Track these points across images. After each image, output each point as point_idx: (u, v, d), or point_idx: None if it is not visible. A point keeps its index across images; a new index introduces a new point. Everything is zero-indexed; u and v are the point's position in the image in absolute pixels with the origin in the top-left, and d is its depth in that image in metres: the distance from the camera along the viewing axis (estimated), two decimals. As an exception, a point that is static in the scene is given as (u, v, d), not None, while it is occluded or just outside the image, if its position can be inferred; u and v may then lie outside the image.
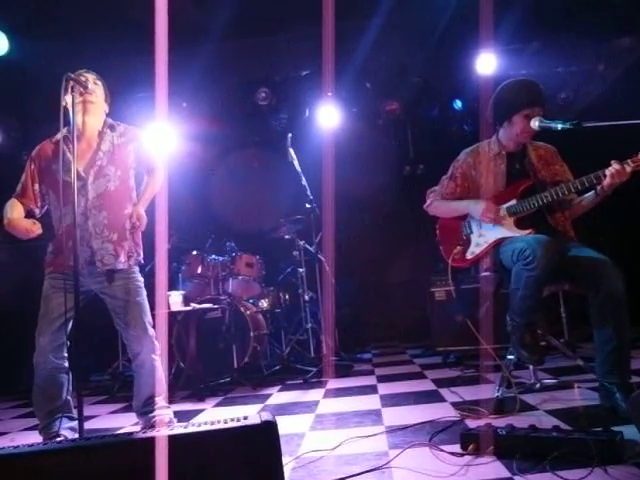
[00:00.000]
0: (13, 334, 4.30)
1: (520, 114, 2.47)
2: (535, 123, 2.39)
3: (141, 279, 2.55)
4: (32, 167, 2.50)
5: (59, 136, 2.44)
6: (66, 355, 2.36)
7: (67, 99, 2.32)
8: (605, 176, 2.22)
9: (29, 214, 2.49)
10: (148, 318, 2.48)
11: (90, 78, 2.47)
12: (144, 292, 2.52)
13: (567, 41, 4.88)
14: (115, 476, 1.16)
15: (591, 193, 2.41)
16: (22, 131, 5.57)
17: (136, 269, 2.55)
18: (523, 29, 4.53)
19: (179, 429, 1.24)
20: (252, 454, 1.20)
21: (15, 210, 2.44)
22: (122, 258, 2.46)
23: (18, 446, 1.25)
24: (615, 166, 2.19)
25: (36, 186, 2.49)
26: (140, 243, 2.59)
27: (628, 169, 2.18)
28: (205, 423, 1.26)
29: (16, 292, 4.63)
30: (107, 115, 2.61)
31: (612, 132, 2.24)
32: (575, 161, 2.63)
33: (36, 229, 2.36)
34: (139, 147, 2.60)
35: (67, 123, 2.39)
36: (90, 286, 2.46)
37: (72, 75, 2.20)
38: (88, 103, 2.45)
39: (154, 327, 2.52)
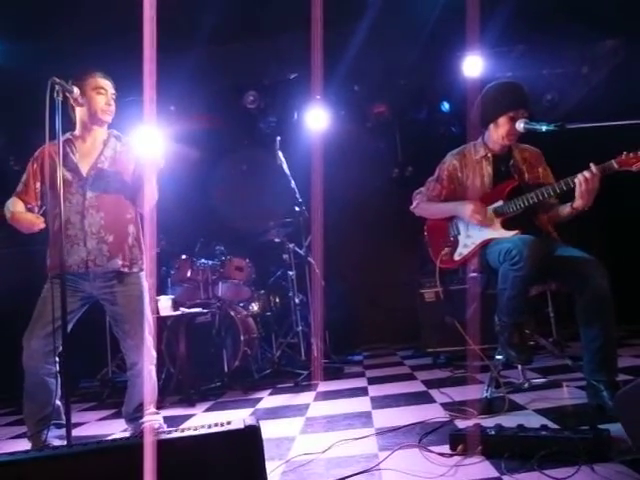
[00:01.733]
0: (3, 341, 4.25)
1: (505, 116, 2.49)
2: (520, 125, 2.41)
3: (145, 285, 2.54)
4: (34, 166, 2.51)
5: (62, 138, 2.43)
6: (56, 360, 2.34)
7: (89, 103, 2.46)
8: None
9: (28, 211, 2.49)
10: (148, 327, 2.46)
11: (109, 91, 2.52)
12: (146, 299, 2.50)
13: (552, 44, 4.93)
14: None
15: (568, 205, 2.42)
16: (9, 136, 5.52)
17: (141, 275, 2.53)
18: (509, 32, 4.57)
19: (163, 435, 1.23)
20: (235, 459, 1.19)
21: (17, 205, 2.46)
22: (119, 261, 2.44)
23: (-1, 455, 1.24)
24: (584, 173, 2.22)
25: (37, 185, 2.50)
26: (144, 250, 2.59)
27: (597, 177, 2.21)
28: (189, 429, 1.26)
29: (9, 298, 4.59)
30: None
31: (596, 133, 2.26)
32: (561, 162, 2.65)
33: (40, 222, 2.36)
34: (137, 160, 2.60)
35: (73, 128, 2.51)
36: (92, 291, 2.45)
37: (57, 79, 2.19)
38: (101, 124, 2.54)
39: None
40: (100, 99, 2.49)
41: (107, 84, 2.53)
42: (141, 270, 2.54)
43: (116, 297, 2.44)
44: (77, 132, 2.54)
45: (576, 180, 2.25)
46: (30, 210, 2.49)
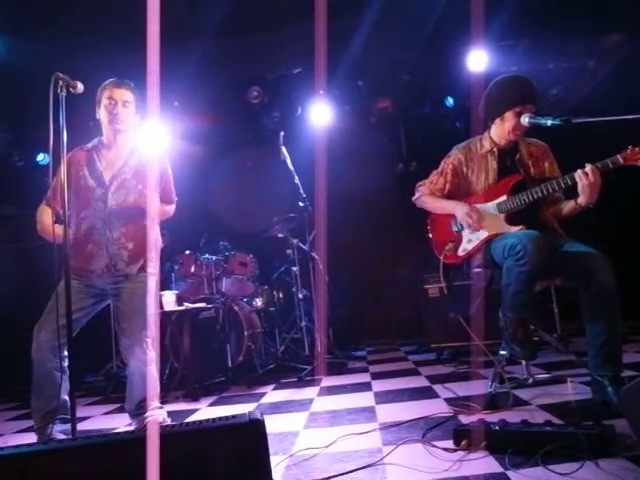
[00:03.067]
0: (8, 336, 4.28)
1: (512, 111, 2.47)
2: (525, 119, 2.39)
3: (152, 285, 2.55)
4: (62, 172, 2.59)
5: (90, 145, 2.63)
6: (66, 355, 2.36)
7: (101, 114, 2.56)
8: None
9: (57, 218, 2.52)
10: (145, 329, 2.46)
11: (120, 99, 2.55)
12: (150, 300, 2.51)
13: (558, 38, 4.90)
14: (100, 476, 1.15)
15: (572, 201, 2.41)
16: (13, 132, 5.54)
17: (149, 275, 2.56)
18: (514, 26, 4.54)
19: (166, 428, 1.24)
20: (239, 452, 1.20)
21: (46, 215, 2.55)
22: (137, 265, 2.52)
23: (2, 448, 1.24)
24: (586, 169, 2.21)
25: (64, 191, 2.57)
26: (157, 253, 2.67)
27: (597, 173, 2.19)
28: (193, 422, 1.26)
29: (12, 294, 4.61)
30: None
31: (603, 128, 2.24)
32: (568, 157, 2.64)
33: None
34: (161, 171, 2.68)
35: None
36: (105, 287, 2.51)
37: (60, 74, 2.19)
38: (117, 132, 2.59)
39: None
40: (110, 109, 2.55)
41: (118, 92, 2.57)
42: (152, 272, 2.58)
43: (121, 292, 2.49)
44: (104, 139, 2.64)
45: (575, 176, 2.24)
46: (58, 216, 2.52)
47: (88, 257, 2.48)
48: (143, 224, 2.57)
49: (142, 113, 2.69)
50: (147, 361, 2.45)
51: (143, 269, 2.54)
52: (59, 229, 2.40)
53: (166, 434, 1.20)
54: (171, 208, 2.83)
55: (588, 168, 2.22)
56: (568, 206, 2.46)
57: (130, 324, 2.44)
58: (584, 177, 2.22)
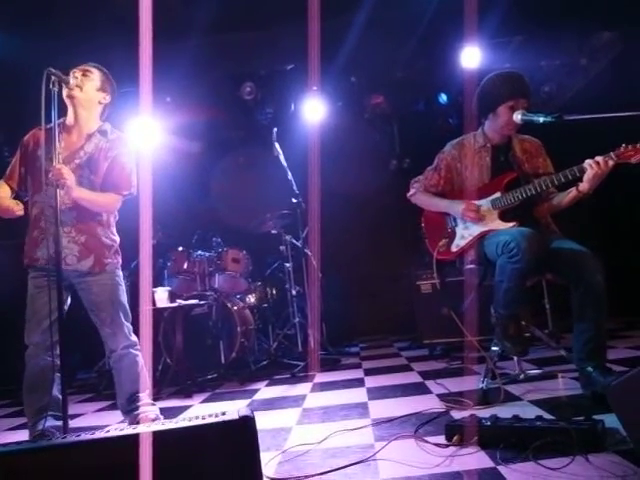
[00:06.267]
0: (2, 333, 4.25)
1: (505, 106, 2.48)
2: (517, 116, 2.40)
3: (119, 275, 2.51)
4: (21, 151, 2.52)
5: (51, 124, 2.38)
6: (57, 353, 2.34)
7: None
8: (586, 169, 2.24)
9: (17, 198, 2.47)
10: (124, 315, 2.45)
11: (77, 70, 2.45)
12: (120, 289, 2.48)
13: (550, 35, 4.91)
14: (90, 475, 1.15)
15: (572, 190, 2.41)
16: (4, 128, 5.48)
17: (115, 270, 2.50)
18: (507, 23, 4.54)
19: (157, 426, 1.24)
20: (230, 449, 1.20)
21: (1, 190, 2.45)
22: (89, 262, 2.40)
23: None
24: (597, 158, 2.21)
25: (22, 169, 2.49)
26: (119, 252, 2.55)
27: (610, 163, 2.20)
28: (184, 420, 1.26)
29: (6, 291, 4.57)
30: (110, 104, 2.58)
31: (594, 125, 2.26)
32: (559, 154, 2.65)
33: (18, 209, 2.35)
34: (115, 156, 2.50)
35: (61, 115, 2.43)
36: (71, 280, 2.42)
37: (53, 70, 2.17)
38: (70, 98, 2.44)
39: (139, 324, 2.51)
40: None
41: (80, 67, 2.47)
42: (116, 268, 2.50)
43: (91, 286, 2.42)
44: (67, 119, 2.49)
45: (585, 165, 2.23)
46: (18, 196, 2.47)
47: (33, 244, 2.39)
48: (94, 216, 2.44)
49: (108, 92, 2.54)
50: (132, 345, 2.44)
51: (100, 267, 2.42)
52: (11, 202, 2.36)
53: (156, 432, 1.19)
54: (113, 198, 2.47)
55: (600, 158, 2.20)
56: (569, 196, 2.44)
57: (108, 312, 2.41)
58: (595, 166, 2.21)
